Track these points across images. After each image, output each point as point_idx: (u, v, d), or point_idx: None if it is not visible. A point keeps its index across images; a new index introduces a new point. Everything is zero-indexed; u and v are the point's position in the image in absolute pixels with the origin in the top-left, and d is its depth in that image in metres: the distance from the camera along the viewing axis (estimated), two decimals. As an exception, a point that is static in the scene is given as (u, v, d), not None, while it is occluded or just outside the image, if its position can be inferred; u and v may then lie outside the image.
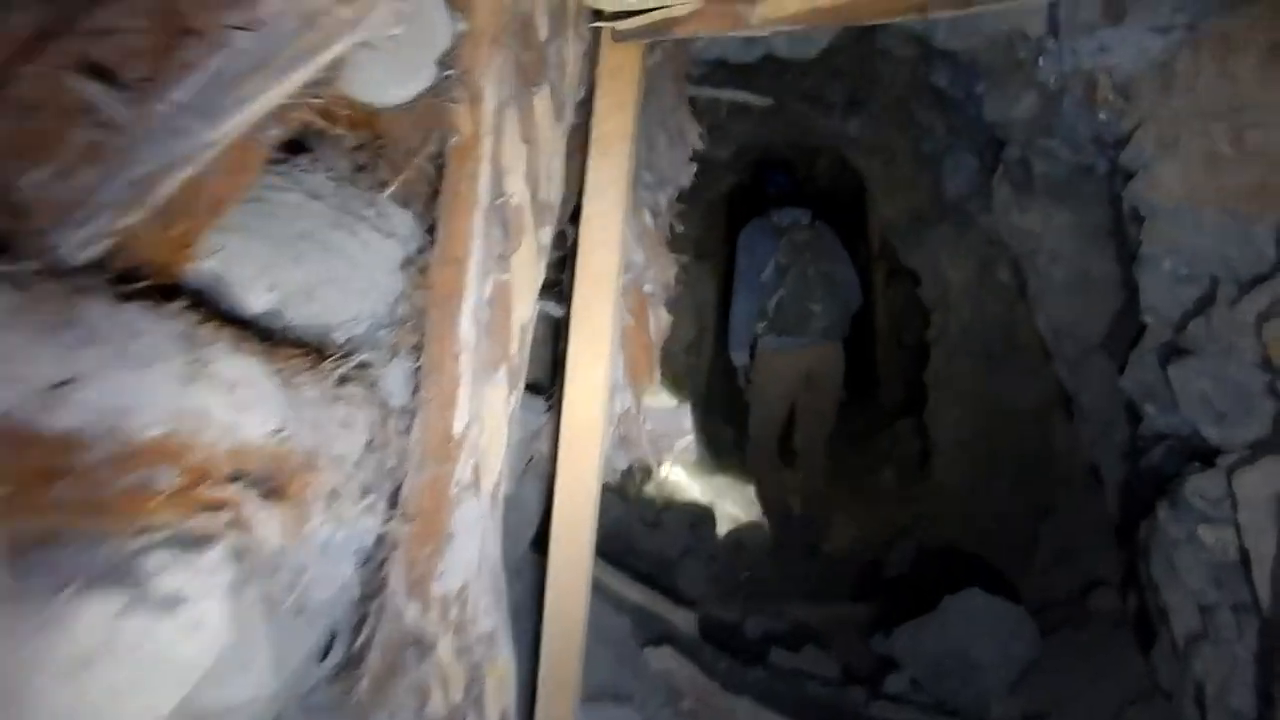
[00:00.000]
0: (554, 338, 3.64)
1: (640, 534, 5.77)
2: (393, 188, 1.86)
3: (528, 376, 3.89)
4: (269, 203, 1.69)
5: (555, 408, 2.58)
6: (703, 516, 6.47)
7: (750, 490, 7.34)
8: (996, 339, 5.38)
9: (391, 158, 1.93)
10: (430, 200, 2.00)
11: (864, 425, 8.59)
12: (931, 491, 6.48)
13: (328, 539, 2.04)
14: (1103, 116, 3.16)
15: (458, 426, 2.04)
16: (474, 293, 1.97)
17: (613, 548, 5.48)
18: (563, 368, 2.52)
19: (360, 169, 1.88)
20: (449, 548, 2.19)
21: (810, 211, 6.06)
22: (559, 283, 3.39)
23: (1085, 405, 4.20)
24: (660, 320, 3.26)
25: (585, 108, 2.60)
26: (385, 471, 2.02)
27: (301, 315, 1.72)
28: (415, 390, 2.00)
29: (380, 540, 2.12)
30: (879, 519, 6.83)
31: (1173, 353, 3.14)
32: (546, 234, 2.38)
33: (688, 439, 3.21)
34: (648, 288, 3.16)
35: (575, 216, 2.66)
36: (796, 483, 6.49)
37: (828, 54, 4.94)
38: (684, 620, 4.44)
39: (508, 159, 2.18)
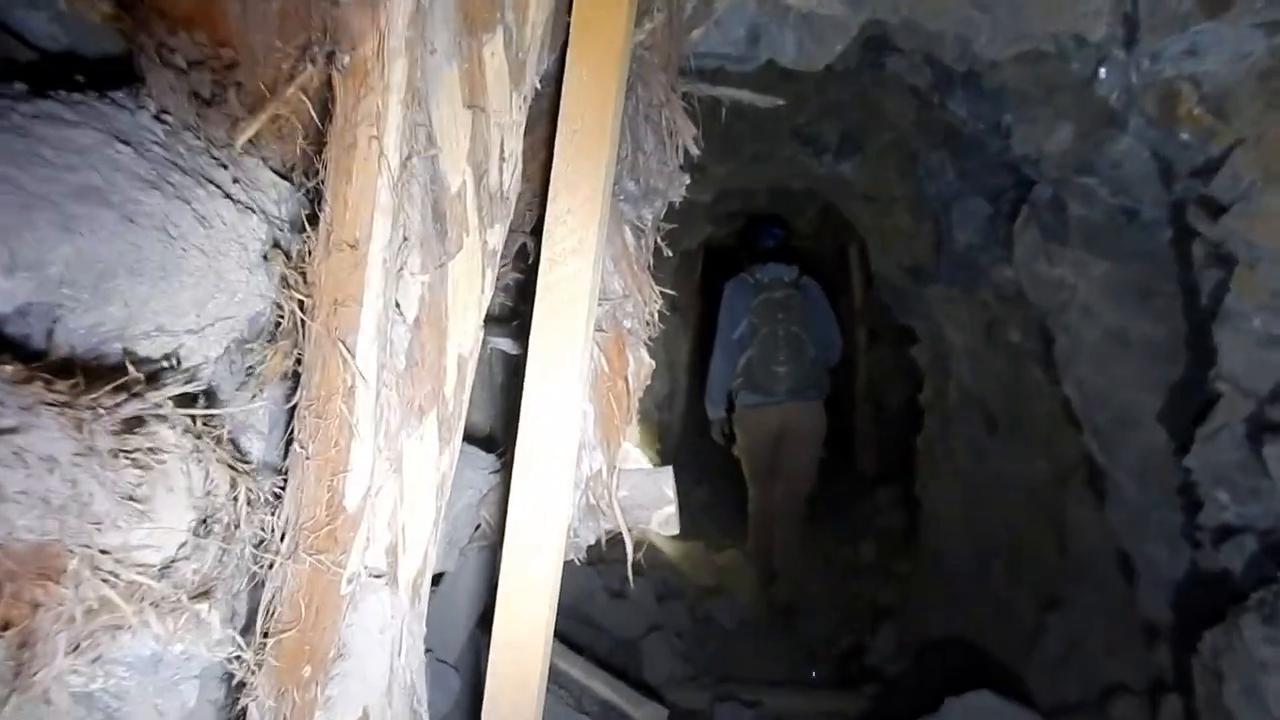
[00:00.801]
0: (511, 383, 2.97)
1: (604, 605, 5.09)
2: (251, 131, 1.18)
3: (478, 429, 3.20)
4: (31, 137, 1.01)
5: (507, 467, 1.88)
6: (672, 587, 5.78)
7: (720, 557, 6.69)
8: (1003, 405, 4.73)
9: (249, 84, 1.24)
10: (314, 155, 1.32)
11: (839, 492, 7.91)
12: (919, 569, 5.79)
13: (151, 659, 1.33)
14: (1184, 138, 2.54)
15: (351, 496, 1.34)
16: (378, 297, 1.29)
17: (572, 619, 4.78)
18: (518, 417, 1.83)
19: (204, 102, 1.19)
20: (339, 666, 1.48)
21: (796, 268, 5.93)
22: (518, 315, 2.72)
23: (1120, 485, 3.54)
24: (641, 364, 2.58)
25: (554, 83, 1.93)
26: (238, 563, 1.31)
27: (82, 318, 1.04)
28: (288, 442, 1.31)
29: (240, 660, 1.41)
30: (860, 596, 6.14)
31: (1263, 430, 2.49)
32: (498, 235, 1.70)
33: (670, 509, 2.50)
34: (627, 323, 2.48)
35: (538, 229, 1.99)
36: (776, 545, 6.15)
37: (829, 79, 4.34)
38: (651, 718, 3.72)
39: (440, 120, 1.51)
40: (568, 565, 2.73)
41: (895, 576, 6.08)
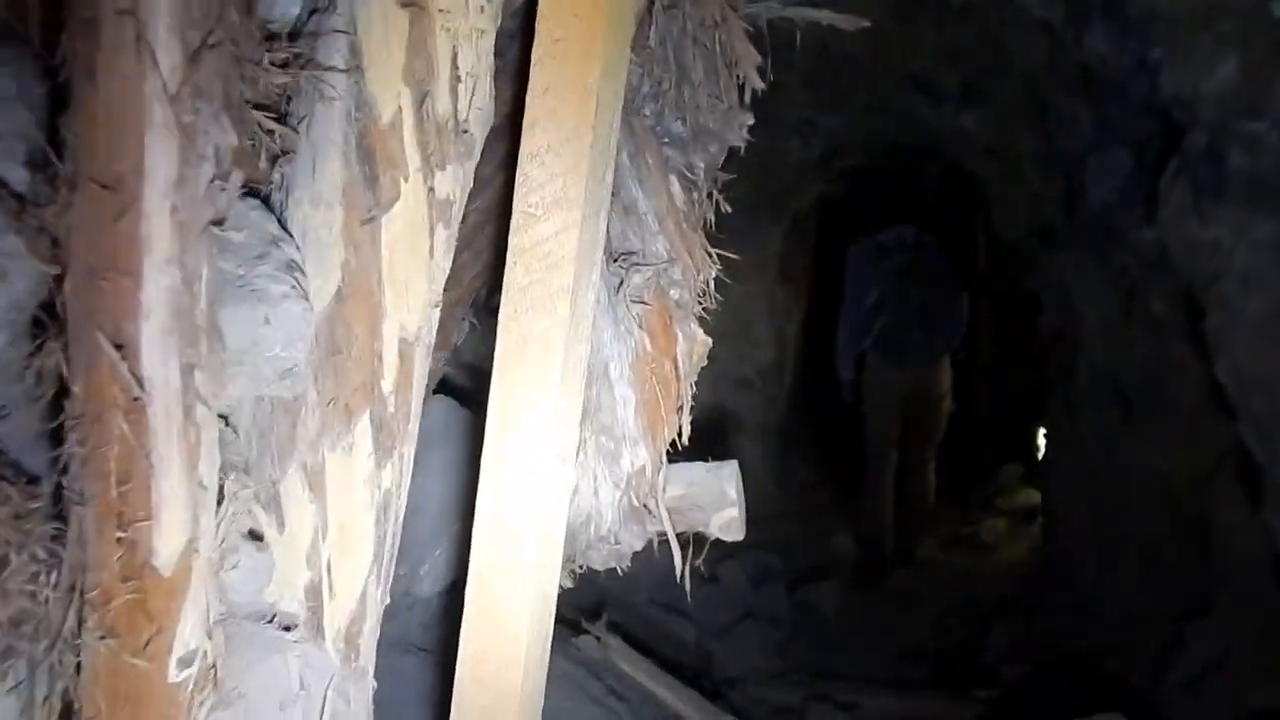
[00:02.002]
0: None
1: (692, 590, 4.65)
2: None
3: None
4: None
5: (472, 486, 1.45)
6: (768, 569, 5.30)
7: (823, 538, 6.18)
8: (1140, 387, 4.08)
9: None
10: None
11: (954, 472, 7.24)
12: (1040, 563, 5.18)
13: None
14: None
15: (164, 551, 0.93)
16: (169, 264, 0.87)
17: (657, 606, 4.38)
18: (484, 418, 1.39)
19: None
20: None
21: (915, 228, 5.63)
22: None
23: (1283, 486, 2.93)
24: (694, 341, 2.12)
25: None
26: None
27: None
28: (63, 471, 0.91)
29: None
30: (974, 587, 5.55)
31: None
32: (451, 181, 1.26)
33: (732, 512, 2.02)
34: (674, 293, 2.02)
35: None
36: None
37: (949, 18, 3.77)
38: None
39: (366, 21, 1.09)
40: (648, 550, 2.30)
41: (1013, 569, 5.48)
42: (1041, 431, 5.35)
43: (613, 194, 1.89)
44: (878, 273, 5.59)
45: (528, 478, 1.32)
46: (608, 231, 1.93)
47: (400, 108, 1.18)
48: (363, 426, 1.22)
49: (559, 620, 3.13)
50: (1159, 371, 3.93)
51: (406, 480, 1.31)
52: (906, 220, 5.71)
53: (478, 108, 1.26)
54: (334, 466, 1.20)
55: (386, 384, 1.23)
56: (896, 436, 5.88)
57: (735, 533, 2.24)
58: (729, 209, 2.14)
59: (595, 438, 2.08)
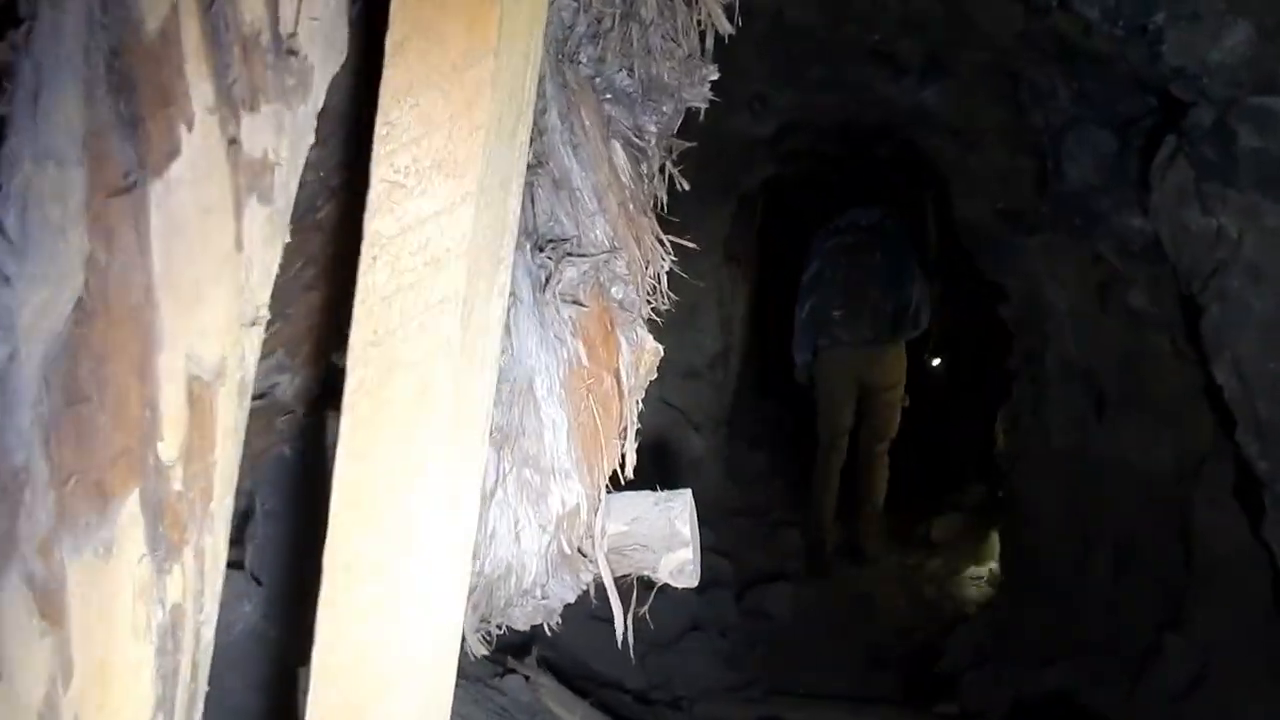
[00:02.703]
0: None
1: (638, 596, 4.23)
2: None
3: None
4: None
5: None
6: (717, 572, 4.90)
7: (775, 535, 5.80)
8: (1116, 381, 3.73)
9: None
10: None
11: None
12: (1004, 562, 4.84)
13: None
14: None
15: None
16: None
17: (600, 621, 3.95)
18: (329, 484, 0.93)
19: None
20: None
21: (879, 210, 5.52)
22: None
23: (1289, 500, 2.58)
24: (641, 350, 1.68)
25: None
26: None
27: None
28: None
29: None
30: (932, 587, 5.20)
31: None
32: (272, 128, 0.80)
33: (684, 553, 1.55)
34: (616, 291, 1.57)
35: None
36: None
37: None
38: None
39: None
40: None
41: (970, 568, 5.13)
42: (1000, 426, 4.99)
43: (539, 163, 1.45)
44: (819, 253, 5.50)
45: (397, 600, 0.85)
46: (533, 211, 1.48)
47: (176, 7, 0.72)
48: (129, 513, 0.76)
49: (480, 659, 2.68)
50: (1138, 366, 3.58)
51: (215, 587, 0.85)
52: (866, 202, 5.57)
53: (312, 17, 0.79)
54: (81, 577, 0.74)
55: (167, 447, 0.77)
56: (847, 426, 5.62)
57: (689, 578, 1.78)
58: (685, 186, 1.69)
59: (517, 470, 1.62)
